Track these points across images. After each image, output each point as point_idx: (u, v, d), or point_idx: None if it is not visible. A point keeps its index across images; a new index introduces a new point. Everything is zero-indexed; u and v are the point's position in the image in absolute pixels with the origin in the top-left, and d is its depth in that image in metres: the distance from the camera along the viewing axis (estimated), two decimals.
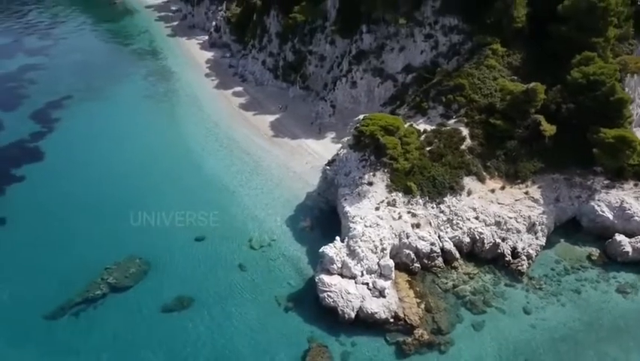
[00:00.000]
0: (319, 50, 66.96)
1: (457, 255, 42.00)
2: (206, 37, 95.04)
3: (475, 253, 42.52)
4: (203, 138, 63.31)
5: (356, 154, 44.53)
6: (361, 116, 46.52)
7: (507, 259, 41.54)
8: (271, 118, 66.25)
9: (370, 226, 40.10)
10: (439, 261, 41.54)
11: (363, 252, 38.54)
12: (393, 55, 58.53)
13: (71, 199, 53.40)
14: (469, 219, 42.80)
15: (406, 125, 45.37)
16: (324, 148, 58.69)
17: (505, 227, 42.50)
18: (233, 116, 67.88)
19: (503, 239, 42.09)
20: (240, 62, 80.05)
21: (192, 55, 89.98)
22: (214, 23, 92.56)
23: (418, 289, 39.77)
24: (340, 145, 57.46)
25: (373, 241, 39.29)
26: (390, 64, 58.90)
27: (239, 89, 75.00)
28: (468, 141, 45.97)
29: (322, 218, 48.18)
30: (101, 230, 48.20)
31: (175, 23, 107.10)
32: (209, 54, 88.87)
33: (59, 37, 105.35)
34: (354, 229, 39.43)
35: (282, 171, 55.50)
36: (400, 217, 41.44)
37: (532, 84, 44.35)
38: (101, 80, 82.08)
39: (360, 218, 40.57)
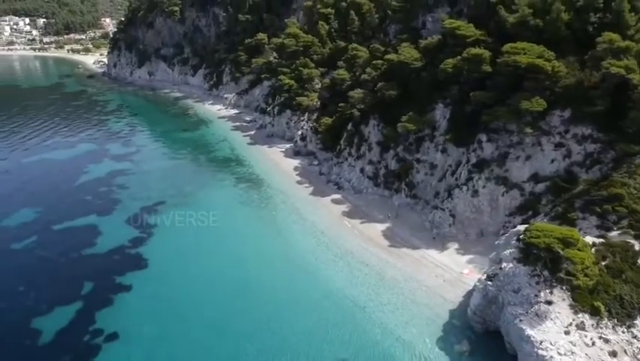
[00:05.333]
0: (429, 159, 65.84)
1: None
2: (288, 146, 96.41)
3: None
4: (314, 248, 60.12)
5: (525, 268, 40.42)
6: (522, 227, 43.24)
7: None
8: (381, 227, 63.32)
9: (565, 354, 34.79)
10: None
11: None
12: (518, 163, 56.63)
13: (185, 312, 49.44)
14: None
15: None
16: (451, 260, 54.78)
17: None
18: (340, 225, 65.22)
19: None
20: (334, 169, 79.47)
21: (277, 162, 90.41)
22: (299, 132, 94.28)
23: None
24: (468, 257, 54.24)
25: None
26: (514, 172, 56.76)
27: (337, 196, 73.31)
28: None
29: (478, 340, 42.90)
30: (229, 348, 43.68)
31: (252, 132, 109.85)
32: (295, 162, 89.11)
33: (140, 144, 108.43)
34: (551, 357, 34.12)
35: (412, 285, 51.14)
36: (593, 343, 36.09)
37: None
38: (190, 185, 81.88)
39: (551, 344, 35.39)
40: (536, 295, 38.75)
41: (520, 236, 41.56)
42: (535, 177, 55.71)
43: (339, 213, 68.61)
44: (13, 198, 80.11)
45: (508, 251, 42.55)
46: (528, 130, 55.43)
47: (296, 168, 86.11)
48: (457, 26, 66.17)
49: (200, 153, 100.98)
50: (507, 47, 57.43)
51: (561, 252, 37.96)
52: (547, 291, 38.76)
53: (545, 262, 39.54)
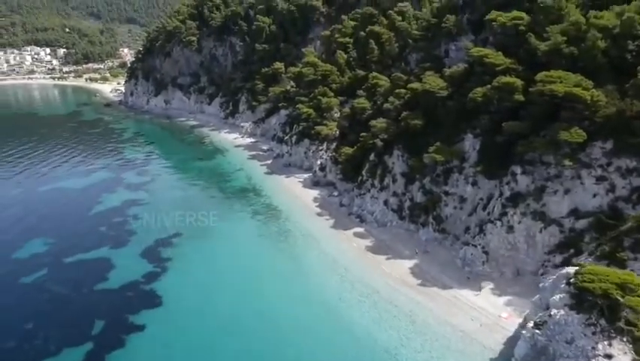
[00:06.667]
0: (458, 191, 62.53)
1: None
2: (306, 176, 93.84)
3: None
4: (337, 286, 56.61)
5: (579, 316, 36.57)
6: (571, 270, 39.53)
7: None
8: (408, 263, 59.70)
9: None
10: None
11: None
12: (556, 198, 53.08)
13: (202, 355, 46.09)
14: None
15: None
16: (487, 301, 50.88)
17: None
18: (363, 261, 61.74)
19: None
20: (355, 201, 76.38)
21: (295, 193, 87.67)
22: (319, 162, 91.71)
23: None
24: (505, 298, 50.45)
25: None
26: (552, 207, 53.15)
27: (359, 229, 70.01)
28: None
29: None
30: None
31: (269, 162, 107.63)
32: (314, 192, 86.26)
33: (155, 173, 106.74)
34: None
35: (446, 330, 47.24)
36: None
37: None
38: (206, 216, 79.25)
39: None
40: (593, 348, 34.83)
41: (571, 280, 37.88)
42: (575, 213, 52.04)
43: (362, 247, 65.22)
44: (26, 229, 78.10)
45: (557, 296, 38.66)
46: (567, 162, 52.00)
47: (315, 199, 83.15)
48: (485, 54, 63.81)
49: (216, 182, 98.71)
50: (541, 75, 54.66)
51: (621, 299, 34.18)
52: (606, 343, 34.81)
53: (602, 309, 35.71)
